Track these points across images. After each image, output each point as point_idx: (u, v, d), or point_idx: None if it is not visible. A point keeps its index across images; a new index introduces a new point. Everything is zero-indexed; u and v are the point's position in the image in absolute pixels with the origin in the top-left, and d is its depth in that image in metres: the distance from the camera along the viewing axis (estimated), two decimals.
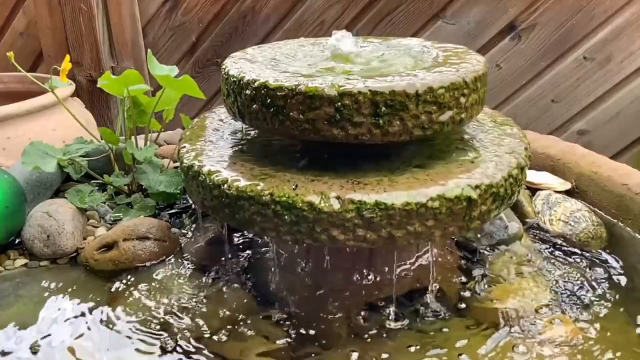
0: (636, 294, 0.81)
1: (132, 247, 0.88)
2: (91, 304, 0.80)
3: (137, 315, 0.78)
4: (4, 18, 2.03)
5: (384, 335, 0.74)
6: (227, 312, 0.78)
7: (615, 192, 0.98)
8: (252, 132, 0.88)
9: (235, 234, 0.94)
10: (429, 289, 0.81)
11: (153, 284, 0.84)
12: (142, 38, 1.94)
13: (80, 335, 0.75)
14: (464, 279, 0.84)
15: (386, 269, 0.82)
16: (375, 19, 1.83)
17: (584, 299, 0.80)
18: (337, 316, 0.77)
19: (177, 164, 1.04)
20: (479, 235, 0.91)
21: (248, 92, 0.74)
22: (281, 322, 0.76)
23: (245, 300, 0.81)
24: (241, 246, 0.92)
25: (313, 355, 0.71)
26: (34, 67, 2.07)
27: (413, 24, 1.82)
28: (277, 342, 0.73)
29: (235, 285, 0.84)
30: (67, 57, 1.05)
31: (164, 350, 0.72)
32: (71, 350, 0.72)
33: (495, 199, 0.72)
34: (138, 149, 1.00)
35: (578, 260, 0.88)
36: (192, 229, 0.97)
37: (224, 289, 0.83)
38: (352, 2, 1.82)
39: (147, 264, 0.88)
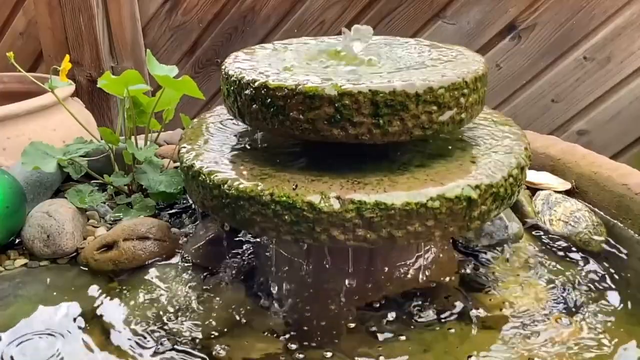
0: (636, 294, 0.81)
1: (132, 247, 0.87)
2: (91, 304, 0.80)
3: (137, 315, 0.78)
4: (4, 18, 2.03)
5: (384, 335, 0.74)
6: (227, 312, 0.78)
7: (615, 192, 0.98)
8: (252, 132, 0.88)
9: (235, 234, 0.94)
10: (429, 288, 0.81)
11: (153, 284, 0.84)
12: (142, 38, 1.94)
13: (80, 335, 0.75)
14: (463, 279, 0.84)
15: (386, 269, 0.82)
16: (375, 19, 1.83)
17: (582, 299, 0.80)
18: (337, 316, 0.77)
19: (177, 164, 1.04)
20: (481, 235, 0.91)
21: (248, 92, 0.74)
22: (281, 322, 0.76)
23: (245, 300, 0.81)
24: (241, 246, 0.92)
25: (313, 355, 0.71)
26: (34, 67, 2.07)
27: (413, 24, 1.82)
28: (277, 342, 0.73)
29: (235, 285, 0.84)
30: (67, 57, 1.05)
31: (163, 350, 0.72)
32: (71, 350, 0.72)
33: (495, 199, 0.72)
34: (138, 149, 1.00)
35: (578, 260, 0.88)
36: (192, 229, 0.97)
37: (224, 289, 0.83)
38: (352, 2, 1.82)
39: (147, 263, 0.88)
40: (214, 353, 0.71)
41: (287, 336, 0.74)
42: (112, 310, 0.79)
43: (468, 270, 0.86)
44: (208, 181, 0.73)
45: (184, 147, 0.83)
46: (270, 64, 0.80)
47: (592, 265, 0.87)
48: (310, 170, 0.74)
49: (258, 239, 0.92)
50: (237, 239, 0.93)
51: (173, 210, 1.02)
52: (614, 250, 0.91)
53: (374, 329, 0.75)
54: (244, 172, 0.74)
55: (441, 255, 0.88)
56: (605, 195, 1.00)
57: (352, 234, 0.67)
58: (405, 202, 0.67)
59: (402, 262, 0.84)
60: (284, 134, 0.75)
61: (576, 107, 1.82)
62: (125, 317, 0.78)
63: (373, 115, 0.69)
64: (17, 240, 0.92)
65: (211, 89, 1.97)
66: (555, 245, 0.92)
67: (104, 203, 1.01)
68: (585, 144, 1.50)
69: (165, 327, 0.76)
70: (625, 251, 0.90)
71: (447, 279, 0.84)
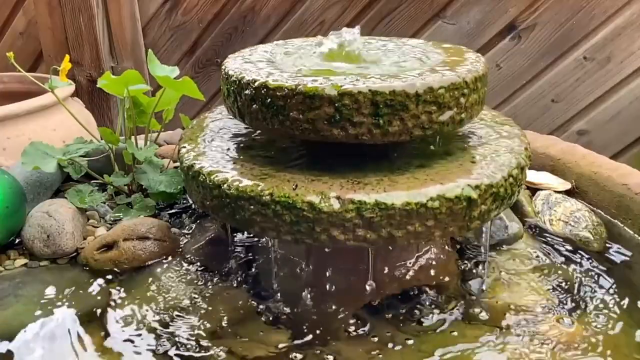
0: (636, 294, 0.81)
1: (132, 247, 0.87)
2: (91, 304, 0.80)
3: (137, 315, 0.78)
4: (4, 18, 2.03)
5: (384, 335, 0.74)
6: (227, 312, 0.78)
7: (615, 192, 0.98)
8: (252, 132, 0.88)
9: (235, 234, 0.94)
10: (429, 289, 0.81)
11: (153, 284, 0.84)
12: (142, 38, 1.94)
13: (80, 335, 0.75)
14: (464, 280, 0.84)
15: (386, 269, 0.82)
16: (375, 19, 1.83)
17: (583, 299, 0.80)
18: (337, 316, 0.77)
19: (177, 164, 1.04)
20: (483, 236, 0.91)
21: (248, 92, 0.74)
22: (281, 322, 0.76)
23: (245, 300, 0.81)
24: (241, 246, 0.92)
25: (312, 356, 0.71)
26: (34, 67, 2.07)
27: (413, 24, 1.82)
28: (277, 342, 0.73)
29: (235, 285, 0.84)
30: (67, 57, 1.05)
31: (163, 351, 0.72)
32: (71, 350, 0.72)
33: (495, 198, 0.72)
34: (138, 149, 1.00)
35: (578, 260, 0.88)
36: (192, 229, 0.97)
37: (224, 289, 0.83)
38: (352, 2, 1.82)
39: (147, 263, 0.88)
40: (213, 353, 0.71)
41: (287, 337, 0.74)
42: (112, 310, 0.79)
43: (468, 270, 0.86)
44: (208, 181, 0.73)
45: (184, 147, 0.83)
46: (270, 63, 0.80)
47: (592, 265, 0.87)
48: (310, 170, 0.74)
49: (258, 239, 0.92)
50: (237, 238, 0.93)
51: (173, 210, 1.02)
52: (614, 250, 0.91)
53: (373, 329, 0.75)
54: (244, 172, 0.74)
55: (441, 255, 0.88)
56: (605, 195, 1.00)
57: (352, 234, 0.67)
58: (405, 202, 0.67)
59: (402, 262, 0.84)
60: (284, 134, 0.75)
61: (576, 107, 1.82)
62: (125, 317, 0.78)
63: (373, 115, 0.69)
64: (17, 240, 0.92)
65: (211, 89, 1.97)
66: (555, 246, 0.92)
67: (104, 203, 1.01)
68: (585, 144, 1.50)
69: (165, 328, 0.76)
70: (625, 251, 0.90)
71: (447, 279, 0.84)
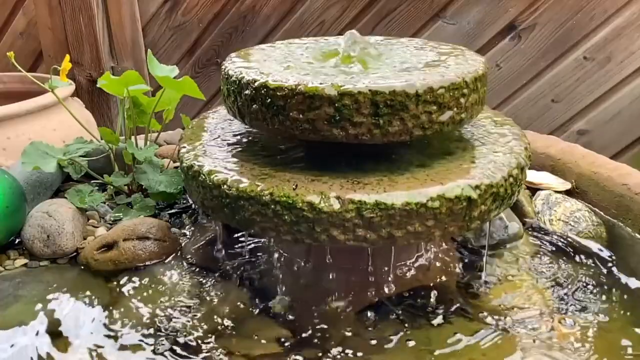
0: (636, 295, 0.81)
1: (132, 247, 0.87)
2: (91, 304, 0.80)
3: (137, 315, 0.78)
4: (4, 18, 2.03)
5: (385, 335, 0.74)
6: (227, 312, 0.78)
7: (615, 192, 0.98)
8: (252, 132, 0.88)
9: (235, 234, 0.94)
10: (429, 289, 0.81)
11: (153, 284, 0.84)
12: (142, 38, 1.94)
13: (80, 336, 0.75)
14: (464, 280, 0.85)
15: (386, 268, 0.82)
16: (375, 19, 1.83)
17: (583, 299, 0.80)
18: (337, 316, 0.77)
19: (177, 164, 1.04)
20: (481, 235, 0.91)
21: (248, 92, 0.74)
22: (281, 322, 0.76)
23: (244, 300, 0.81)
24: (241, 246, 0.92)
25: (313, 355, 0.71)
26: (34, 67, 2.07)
27: (413, 24, 1.82)
28: (277, 342, 0.73)
29: (235, 285, 0.84)
30: (67, 57, 1.05)
31: (163, 350, 0.72)
32: (71, 350, 0.72)
33: (495, 199, 0.72)
34: (138, 149, 1.00)
35: (578, 260, 0.88)
36: (192, 229, 0.97)
37: (224, 288, 0.83)
38: (352, 2, 1.82)
39: (147, 263, 0.88)
40: (213, 354, 0.71)
41: (286, 336, 0.74)
42: (112, 310, 0.79)
43: (468, 271, 0.86)
44: (208, 181, 0.73)
45: (184, 147, 0.83)
46: (270, 64, 0.80)
47: (593, 265, 0.87)
48: (310, 170, 0.74)
49: (258, 239, 0.92)
50: (237, 238, 0.93)
51: (173, 210, 1.02)
52: (614, 250, 0.91)
53: (374, 330, 0.75)
54: (244, 172, 0.74)
55: (441, 255, 0.88)
56: (605, 195, 1.00)
57: (352, 234, 0.68)
58: (405, 202, 0.67)
59: (402, 262, 0.84)
60: (284, 134, 0.75)
61: (576, 107, 1.82)
62: (125, 317, 0.78)
63: (373, 115, 0.69)
64: (17, 240, 0.92)
65: (211, 89, 1.97)
66: (555, 246, 0.92)
67: (104, 203, 1.01)
68: (585, 144, 1.50)
69: (165, 327, 0.76)
70: (625, 251, 0.90)
71: (447, 279, 0.84)
